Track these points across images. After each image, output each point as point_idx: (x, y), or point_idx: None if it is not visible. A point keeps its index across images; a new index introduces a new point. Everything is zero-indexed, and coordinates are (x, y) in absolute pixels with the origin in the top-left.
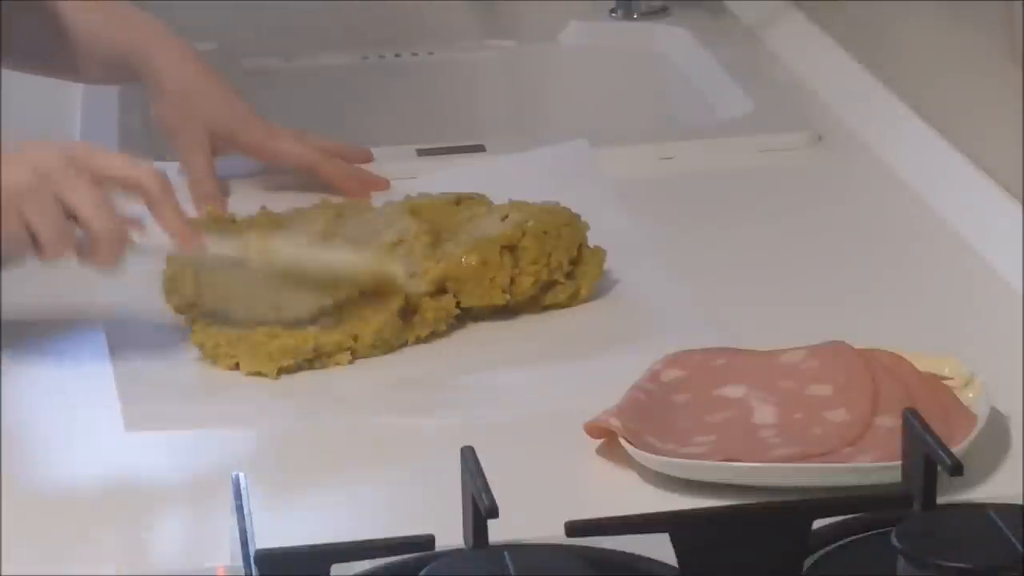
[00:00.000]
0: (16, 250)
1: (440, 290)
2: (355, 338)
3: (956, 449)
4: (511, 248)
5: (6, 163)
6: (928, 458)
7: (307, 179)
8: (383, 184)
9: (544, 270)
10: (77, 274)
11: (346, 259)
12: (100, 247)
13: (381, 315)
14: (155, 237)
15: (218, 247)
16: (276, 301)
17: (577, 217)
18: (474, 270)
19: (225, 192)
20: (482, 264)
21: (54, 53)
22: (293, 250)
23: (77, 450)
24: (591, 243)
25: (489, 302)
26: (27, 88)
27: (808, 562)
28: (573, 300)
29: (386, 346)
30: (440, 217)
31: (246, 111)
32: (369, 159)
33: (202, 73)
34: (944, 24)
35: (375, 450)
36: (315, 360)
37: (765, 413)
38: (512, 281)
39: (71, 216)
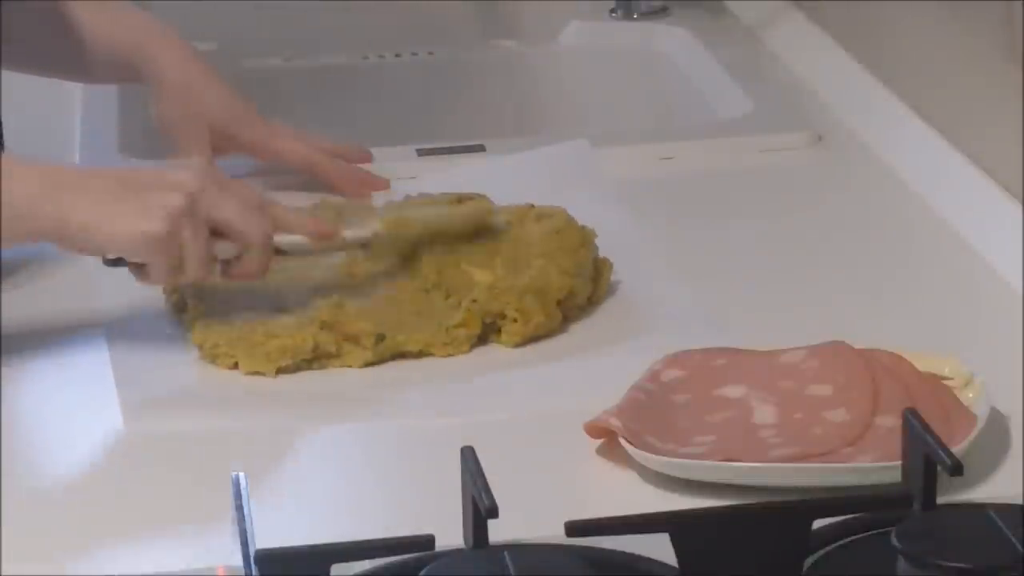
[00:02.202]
0: (165, 274)
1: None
2: (353, 338)
3: (956, 449)
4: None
5: (158, 188)
6: (928, 458)
7: (307, 179)
8: (383, 184)
9: (572, 309)
10: (77, 274)
11: (458, 212)
12: (253, 258)
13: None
14: (292, 238)
15: (353, 230)
16: (276, 301)
17: (587, 232)
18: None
19: None
20: (522, 313)
21: (56, 53)
22: (420, 214)
23: (77, 450)
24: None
25: (518, 340)
26: (27, 88)
27: (808, 562)
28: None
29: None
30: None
31: (247, 110)
32: (369, 159)
33: (203, 73)
34: (944, 24)
35: (375, 450)
36: (314, 360)
37: (765, 413)
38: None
39: (219, 234)
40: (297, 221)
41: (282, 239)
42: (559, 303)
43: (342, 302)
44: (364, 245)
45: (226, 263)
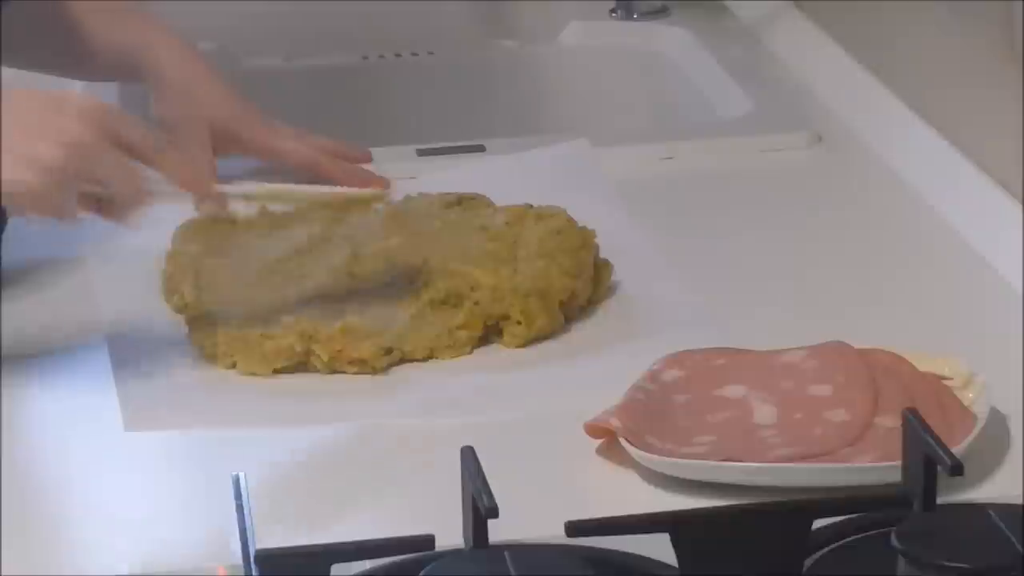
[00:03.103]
0: (37, 215)
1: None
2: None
3: (956, 449)
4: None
5: (41, 139)
6: (928, 458)
7: (307, 178)
8: (383, 184)
9: (573, 310)
10: (77, 274)
11: (331, 190)
12: (125, 209)
13: (428, 331)
14: (166, 187)
15: (231, 187)
16: (277, 302)
17: (587, 232)
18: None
19: None
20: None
21: (57, 51)
22: (290, 186)
23: (77, 450)
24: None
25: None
26: (27, 87)
27: (808, 562)
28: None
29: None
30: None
31: (247, 110)
32: (368, 159)
33: (204, 72)
34: (944, 24)
35: (375, 450)
36: (309, 363)
37: (765, 413)
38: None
39: (96, 182)
40: (173, 169)
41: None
42: (561, 304)
43: (348, 327)
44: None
45: (101, 202)
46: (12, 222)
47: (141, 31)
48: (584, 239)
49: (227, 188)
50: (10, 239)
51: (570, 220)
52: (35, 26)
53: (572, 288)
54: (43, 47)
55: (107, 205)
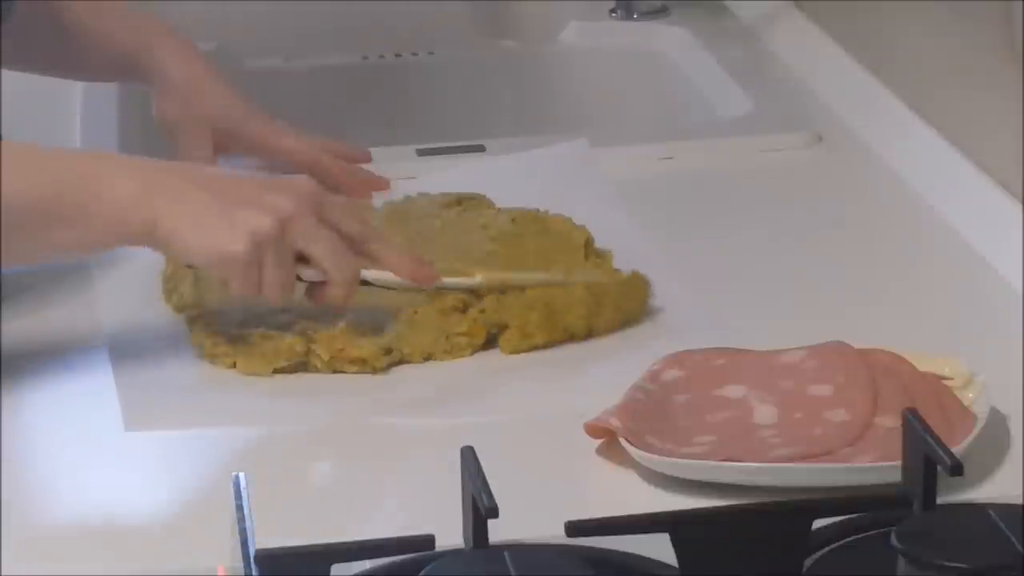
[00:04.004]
0: (243, 290)
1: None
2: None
3: (956, 449)
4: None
5: (253, 207)
6: (928, 458)
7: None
8: (383, 184)
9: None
10: (78, 274)
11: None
12: (337, 291)
13: (428, 334)
14: (384, 275)
15: (452, 279)
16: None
17: (585, 231)
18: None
19: None
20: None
21: (57, 52)
22: (519, 277)
23: (77, 449)
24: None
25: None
26: (27, 88)
27: (808, 562)
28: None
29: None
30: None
31: (248, 109)
32: (368, 159)
33: (206, 72)
34: (944, 24)
35: (375, 450)
36: (309, 363)
37: (765, 413)
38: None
39: (303, 261)
40: (396, 262)
41: (374, 275)
42: (564, 327)
43: (348, 327)
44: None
45: (311, 285)
46: None
47: (142, 31)
48: (582, 237)
49: (449, 281)
50: None
51: (611, 268)
52: (36, 27)
53: (582, 320)
54: (44, 48)
55: (318, 287)
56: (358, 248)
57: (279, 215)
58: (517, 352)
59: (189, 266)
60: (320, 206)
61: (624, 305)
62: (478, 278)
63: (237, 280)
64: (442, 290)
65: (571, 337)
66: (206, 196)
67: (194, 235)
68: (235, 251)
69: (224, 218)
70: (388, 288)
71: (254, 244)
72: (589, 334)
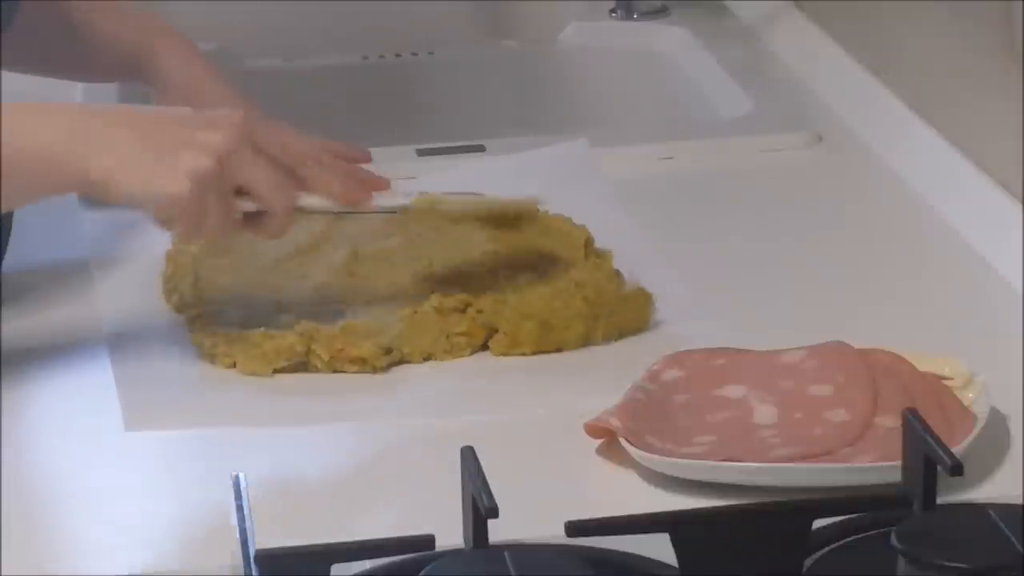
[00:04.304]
0: (187, 230)
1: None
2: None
3: (956, 449)
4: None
5: (189, 147)
6: (928, 458)
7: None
8: (383, 184)
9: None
10: (77, 274)
11: (494, 200)
12: (276, 221)
13: (427, 334)
14: (318, 200)
15: (382, 200)
16: (277, 301)
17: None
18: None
19: None
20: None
21: (58, 53)
22: (454, 197)
23: (77, 449)
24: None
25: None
26: (27, 88)
27: (808, 562)
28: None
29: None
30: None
31: (249, 109)
32: (368, 159)
33: (205, 71)
34: (944, 24)
35: (375, 450)
36: (310, 363)
37: (765, 413)
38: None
39: (244, 192)
40: (327, 185)
41: (308, 201)
42: (557, 337)
43: (348, 326)
44: (391, 215)
45: (247, 216)
46: (15, 221)
47: (142, 31)
48: (620, 293)
49: (381, 200)
50: (12, 239)
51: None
52: (36, 28)
53: (577, 332)
54: (44, 49)
55: (255, 218)
56: (292, 173)
57: (216, 152)
58: (507, 355)
59: (130, 209)
60: (252, 134)
61: (624, 320)
62: (409, 201)
63: (181, 221)
64: (374, 212)
65: (562, 349)
66: (137, 139)
67: (132, 180)
68: (177, 193)
69: (161, 162)
70: (324, 213)
71: (195, 184)
72: (585, 344)
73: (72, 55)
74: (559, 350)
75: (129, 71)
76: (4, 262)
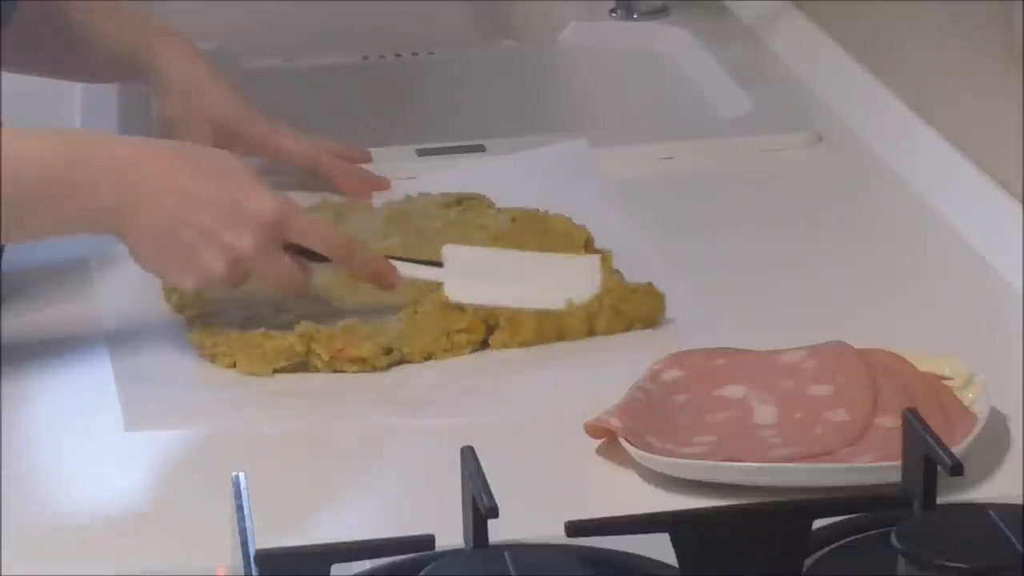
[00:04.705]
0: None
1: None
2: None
3: (956, 449)
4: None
5: (209, 246)
6: (928, 458)
7: (307, 178)
8: (383, 184)
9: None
10: (77, 274)
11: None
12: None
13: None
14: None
15: (420, 272)
16: (277, 301)
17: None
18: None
19: None
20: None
21: (57, 53)
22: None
23: (77, 449)
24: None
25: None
26: (27, 88)
27: (808, 562)
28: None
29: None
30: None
31: (249, 109)
32: (368, 159)
33: (205, 72)
34: (944, 24)
35: (375, 450)
36: (310, 363)
37: (765, 413)
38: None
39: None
40: (359, 271)
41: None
42: (557, 330)
43: (348, 326)
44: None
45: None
46: None
47: (142, 32)
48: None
49: (419, 273)
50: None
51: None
52: (36, 29)
53: (580, 320)
54: (43, 49)
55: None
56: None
57: (233, 255)
58: (508, 347)
59: None
60: (280, 230)
61: (634, 314)
62: (433, 271)
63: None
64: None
65: (564, 338)
66: (169, 220)
67: (147, 263)
68: (183, 286)
69: (178, 251)
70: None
71: (202, 285)
72: (590, 334)
73: (70, 56)
74: (561, 339)
75: (128, 71)
76: (4, 261)
